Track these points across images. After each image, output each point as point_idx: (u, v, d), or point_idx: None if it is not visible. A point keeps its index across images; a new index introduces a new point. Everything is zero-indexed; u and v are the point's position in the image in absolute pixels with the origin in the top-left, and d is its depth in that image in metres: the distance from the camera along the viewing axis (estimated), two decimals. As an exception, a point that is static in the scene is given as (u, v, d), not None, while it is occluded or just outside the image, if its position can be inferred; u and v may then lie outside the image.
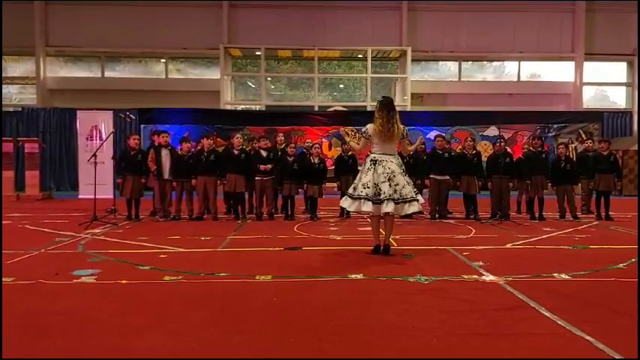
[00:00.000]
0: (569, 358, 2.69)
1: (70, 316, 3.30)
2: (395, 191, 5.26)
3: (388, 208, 5.22)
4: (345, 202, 5.56)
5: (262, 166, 8.42)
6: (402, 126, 5.52)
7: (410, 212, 5.48)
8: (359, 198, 5.35)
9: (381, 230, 5.55)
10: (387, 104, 5.46)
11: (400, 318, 3.30)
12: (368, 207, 5.30)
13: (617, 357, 2.66)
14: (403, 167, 5.51)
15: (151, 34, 17.41)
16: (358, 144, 5.73)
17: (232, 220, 8.52)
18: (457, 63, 18.63)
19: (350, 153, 9.13)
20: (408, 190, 5.34)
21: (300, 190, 8.95)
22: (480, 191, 8.90)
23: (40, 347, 2.79)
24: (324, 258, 5.36)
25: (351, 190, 5.51)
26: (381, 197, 5.24)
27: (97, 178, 8.15)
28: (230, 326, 3.13)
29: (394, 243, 5.92)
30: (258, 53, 17.47)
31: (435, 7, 17.91)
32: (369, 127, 5.44)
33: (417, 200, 5.40)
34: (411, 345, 2.83)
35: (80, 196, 13.02)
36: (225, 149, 9.05)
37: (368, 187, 5.30)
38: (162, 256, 5.43)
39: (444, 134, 10.39)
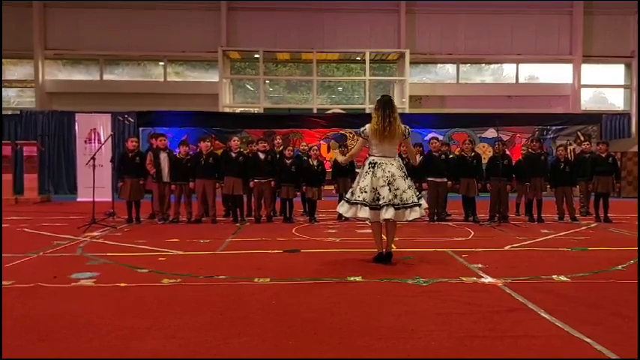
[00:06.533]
0: (568, 359, 2.70)
1: (69, 319, 3.29)
2: (395, 196, 4.95)
3: (388, 214, 4.91)
4: (342, 208, 5.24)
5: (251, 183, 8.56)
6: (403, 125, 5.21)
7: (411, 219, 5.11)
8: (356, 203, 5.06)
9: (382, 236, 5.27)
10: (383, 102, 5.12)
11: (399, 320, 3.30)
12: (365, 213, 4.98)
13: (616, 358, 2.66)
14: (404, 170, 5.21)
15: (150, 37, 17.42)
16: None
17: (231, 223, 8.53)
18: (455, 65, 18.66)
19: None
20: (409, 195, 5.02)
21: (298, 192, 8.95)
22: (479, 193, 8.92)
23: (39, 350, 2.78)
24: (322, 260, 5.35)
25: (348, 195, 5.22)
26: (380, 202, 4.95)
27: (95, 181, 8.15)
28: (229, 329, 3.13)
29: (394, 246, 5.90)
30: (256, 56, 17.48)
31: (433, 9, 17.94)
32: (367, 127, 5.16)
33: (419, 205, 5.10)
34: (410, 347, 2.83)
35: (79, 199, 13.04)
36: (223, 152, 9.05)
37: (366, 192, 5.00)
38: (161, 258, 5.43)
39: (439, 136, 10.41)
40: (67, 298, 3.82)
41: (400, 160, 5.28)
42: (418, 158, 8.44)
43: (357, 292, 4.02)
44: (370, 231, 5.56)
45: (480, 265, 4.99)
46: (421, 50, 17.90)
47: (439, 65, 19.02)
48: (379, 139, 5.08)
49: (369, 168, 5.10)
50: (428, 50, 18.09)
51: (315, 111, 16.99)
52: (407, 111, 16.66)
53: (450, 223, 8.56)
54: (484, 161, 9.34)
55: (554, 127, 15.70)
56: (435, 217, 8.84)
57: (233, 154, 8.67)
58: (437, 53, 18.24)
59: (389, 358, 2.70)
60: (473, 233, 7.39)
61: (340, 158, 6.20)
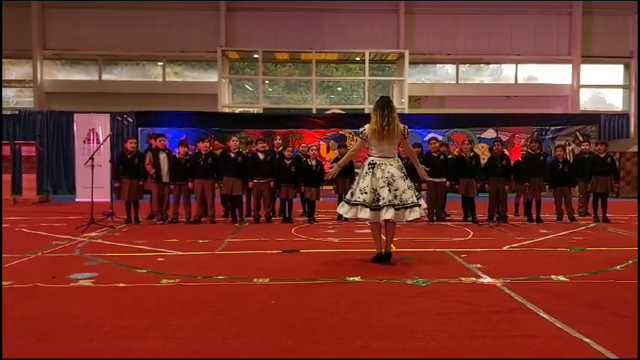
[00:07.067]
0: (568, 359, 2.70)
1: (68, 319, 3.29)
2: (395, 197, 4.95)
3: (388, 214, 4.91)
4: (342, 209, 5.24)
5: (251, 183, 8.61)
6: (402, 125, 5.22)
7: (411, 219, 5.12)
8: (356, 204, 5.06)
9: (382, 237, 5.29)
10: (382, 103, 5.13)
11: (398, 320, 3.30)
12: (365, 214, 4.99)
13: (616, 358, 2.67)
14: (404, 170, 5.21)
15: (149, 38, 17.42)
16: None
17: (230, 223, 8.53)
18: (454, 66, 18.67)
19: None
20: (409, 195, 5.02)
21: (298, 192, 8.94)
22: (478, 193, 8.92)
23: (39, 350, 2.78)
24: (322, 260, 5.35)
25: (348, 196, 5.22)
26: (379, 203, 4.95)
27: (94, 181, 8.14)
28: (229, 329, 3.13)
29: (393, 247, 5.90)
30: (255, 56, 17.48)
31: (432, 9, 17.96)
32: (367, 127, 5.17)
33: (419, 205, 5.11)
34: (409, 347, 2.83)
35: (77, 200, 13.03)
36: (222, 152, 9.05)
37: (366, 193, 5.00)
38: (159, 259, 5.42)
39: (438, 136, 10.41)
40: (66, 299, 3.81)
41: (400, 161, 5.29)
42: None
43: (356, 292, 4.02)
44: (369, 231, 5.59)
45: (479, 265, 4.99)
46: (420, 50, 17.92)
47: (438, 65, 19.03)
48: (378, 139, 5.08)
49: (369, 169, 5.10)
50: (427, 50, 18.11)
51: (314, 111, 17.00)
52: (406, 111, 16.68)
53: (449, 224, 8.57)
54: (483, 161, 9.35)
55: (553, 128, 15.73)
56: (435, 218, 8.85)
57: (232, 155, 8.67)
58: (436, 53, 18.26)
59: (388, 358, 2.70)
60: (472, 233, 7.40)
61: (334, 168, 5.67)
